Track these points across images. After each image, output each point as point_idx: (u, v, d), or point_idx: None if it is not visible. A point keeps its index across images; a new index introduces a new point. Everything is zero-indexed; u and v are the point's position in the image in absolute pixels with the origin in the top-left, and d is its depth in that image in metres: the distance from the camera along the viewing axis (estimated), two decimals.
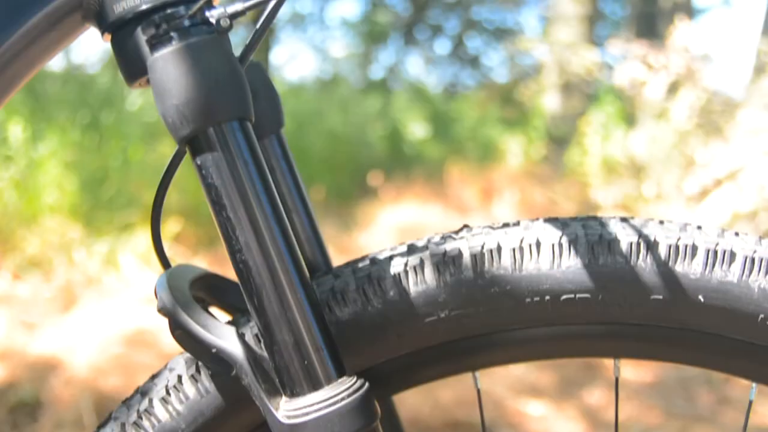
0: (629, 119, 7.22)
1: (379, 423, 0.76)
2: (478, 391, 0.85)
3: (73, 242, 4.16)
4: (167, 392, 0.83)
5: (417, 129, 8.88)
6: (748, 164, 5.17)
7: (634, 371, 3.51)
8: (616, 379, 0.87)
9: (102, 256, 4.09)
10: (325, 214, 5.95)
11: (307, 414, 0.73)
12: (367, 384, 0.76)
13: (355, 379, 0.76)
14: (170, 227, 4.39)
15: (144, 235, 4.23)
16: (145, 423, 0.83)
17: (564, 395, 3.35)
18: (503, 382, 3.38)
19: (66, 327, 3.70)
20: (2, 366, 3.44)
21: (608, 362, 3.55)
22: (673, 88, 6.29)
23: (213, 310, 0.91)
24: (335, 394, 0.74)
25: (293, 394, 0.75)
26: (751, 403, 0.86)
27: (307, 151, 6.64)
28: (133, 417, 0.84)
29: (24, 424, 3.22)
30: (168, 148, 5.17)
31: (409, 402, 3.15)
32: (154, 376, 0.86)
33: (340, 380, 0.75)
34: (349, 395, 0.74)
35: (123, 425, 0.84)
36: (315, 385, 0.74)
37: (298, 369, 0.74)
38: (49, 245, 4.15)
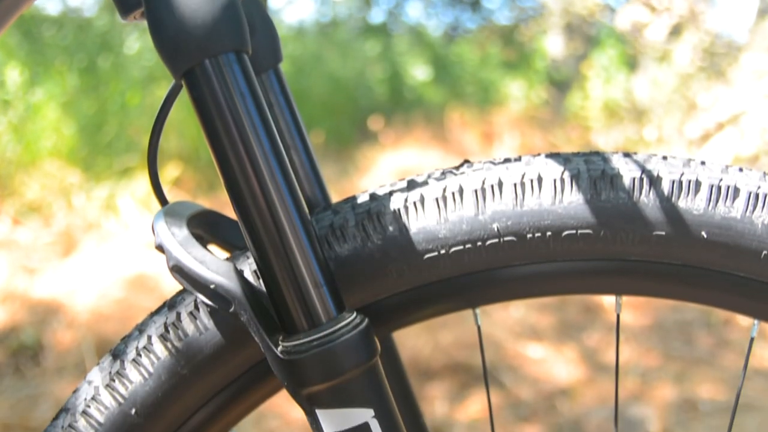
0: (631, 62, 7.16)
1: (379, 359, 0.76)
2: (479, 328, 0.85)
3: (72, 187, 4.14)
4: (166, 329, 0.83)
5: (417, 72, 8.81)
6: (751, 108, 5.14)
7: (633, 315, 3.52)
8: (618, 316, 0.87)
9: (101, 200, 4.09)
10: (324, 159, 5.93)
11: (306, 350, 0.73)
12: (366, 320, 0.75)
13: (354, 315, 0.75)
14: (169, 172, 4.38)
15: (143, 180, 4.21)
16: (144, 360, 0.83)
17: (563, 338, 3.37)
18: (503, 325, 3.39)
19: (66, 271, 3.71)
20: (3, 310, 3.45)
21: (608, 306, 3.56)
22: (675, 31, 6.23)
23: (211, 247, 0.90)
24: (335, 329, 0.73)
25: (292, 330, 0.74)
26: (752, 340, 0.86)
27: (307, 95, 6.60)
28: (132, 354, 0.84)
29: (27, 367, 3.23)
30: (166, 91, 5.13)
31: (410, 344, 3.17)
32: (152, 314, 0.86)
33: (339, 316, 0.75)
34: (348, 331, 0.73)
35: (122, 362, 0.84)
36: (314, 321, 0.74)
37: (297, 305, 0.74)
38: (49, 190, 4.14)
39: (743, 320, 3.48)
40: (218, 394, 0.84)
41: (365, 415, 0.74)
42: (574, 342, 3.33)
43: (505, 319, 3.43)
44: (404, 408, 0.90)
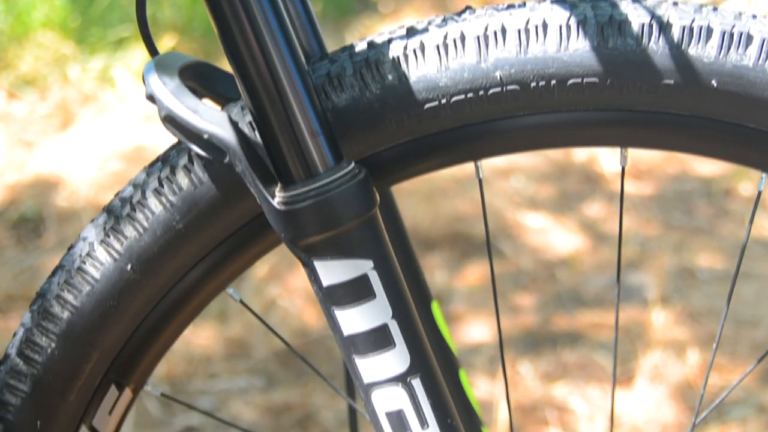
0: None
1: (378, 210, 0.74)
2: (480, 181, 0.83)
3: (67, 59, 4.08)
4: (160, 184, 0.81)
5: None
6: None
7: (633, 185, 3.51)
8: (623, 169, 0.85)
9: (96, 72, 4.03)
10: (322, 29, 5.82)
11: (303, 200, 0.71)
12: (365, 170, 0.74)
13: (352, 165, 0.74)
14: (164, 43, 4.30)
15: (139, 51, 4.14)
16: (139, 215, 0.82)
17: (563, 208, 3.37)
18: (503, 194, 3.39)
19: (64, 144, 3.68)
20: (2, 184, 3.44)
21: (609, 175, 3.55)
22: None
23: (205, 101, 0.88)
24: (332, 179, 0.72)
25: (289, 180, 0.72)
26: (759, 194, 0.84)
27: None
28: (126, 210, 0.82)
29: (28, 239, 3.25)
30: None
31: (409, 214, 3.16)
32: (146, 169, 0.84)
33: (337, 166, 0.73)
34: (346, 181, 0.72)
35: (117, 218, 0.83)
36: (311, 171, 0.72)
37: (293, 154, 0.72)
38: (43, 62, 4.08)
39: (744, 190, 3.47)
40: (215, 249, 0.83)
41: (364, 266, 0.73)
42: (574, 212, 3.33)
43: (505, 189, 3.42)
44: (404, 263, 0.89)
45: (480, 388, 2.45)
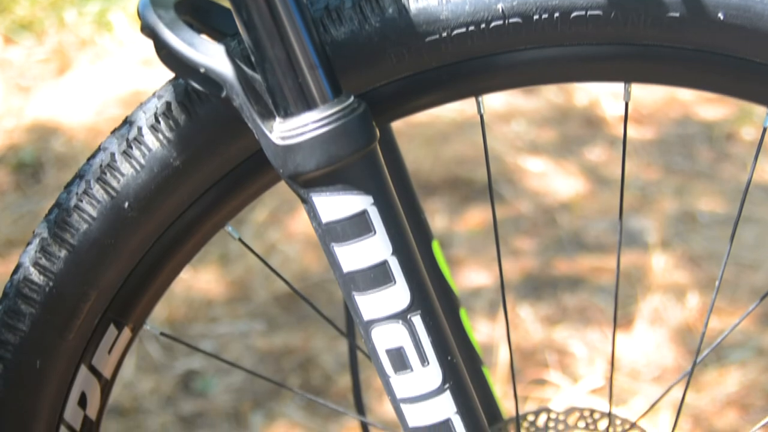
0: None
1: (378, 145, 0.73)
2: (481, 117, 0.82)
3: (63, 2, 4.04)
4: (156, 120, 0.80)
5: None
6: None
7: (635, 129, 3.49)
8: (626, 105, 0.84)
9: (93, 16, 3.99)
10: None
11: (302, 134, 0.70)
12: (364, 104, 0.72)
13: (352, 98, 0.72)
14: None
15: None
16: (136, 152, 0.80)
17: (564, 152, 3.35)
18: (503, 139, 3.37)
19: (62, 89, 3.66)
20: (0, 129, 3.43)
21: (610, 119, 3.53)
22: None
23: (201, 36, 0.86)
24: (332, 113, 0.70)
25: (287, 114, 0.71)
26: (765, 130, 0.83)
27: None
28: (123, 146, 0.81)
29: (27, 184, 3.24)
30: None
31: (409, 158, 3.14)
32: (142, 105, 0.83)
33: (336, 99, 0.71)
34: (346, 114, 0.70)
35: (112, 155, 0.81)
36: (310, 104, 0.70)
37: (291, 87, 0.70)
38: (39, 6, 4.04)
39: (746, 134, 3.45)
40: (213, 187, 0.82)
41: (364, 202, 0.72)
42: (575, 156, 3.32)
43: (506, 134, 3.40)
44: (404, 201, 0.88)
45: (480, 331, 2.46)
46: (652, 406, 0.98)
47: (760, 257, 2.77)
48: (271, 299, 2.61)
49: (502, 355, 2.31)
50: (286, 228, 2.89)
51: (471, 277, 2.70)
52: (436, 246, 1.07)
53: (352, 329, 1.11)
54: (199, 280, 2.68)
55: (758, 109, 3.50)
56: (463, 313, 1.10)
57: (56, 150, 3.35)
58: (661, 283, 2.63)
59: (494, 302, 2.58)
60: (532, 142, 3.41)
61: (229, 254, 2.77)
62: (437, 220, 2.91)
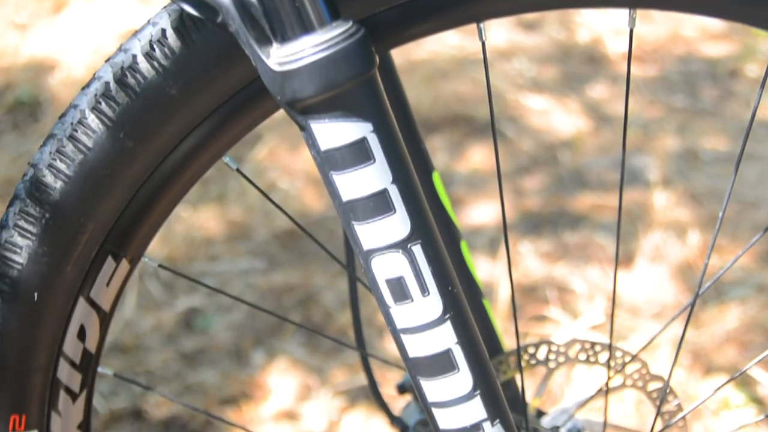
0: None
1: (377, 72, 0.71)
2: (483, 44, 0.80)
3: None
4: (151, 47, 0.78)
5: None
6: None
7: (637, 66, 3.46)
8: (630, 32, 0.82)
9: None
10: None
11: (300, 59, 0.68)
12: (363, 29, 0.71)
13: (350, 23, 0.70)
14: None
15: None
16: (131, 80, 0.79)
17: (566, 89, 3.32)
18: (504, 76, 3.34)
19: (58, 27, 3.62)
20: None
21: (612, 56, 3.50)
22: None
23: None
24: (330, 37, 0.68)
25: (284, 38, 0.69)
26: None
27: None
28: (118, 75, 0.79)
29: (25, 123, 3.22)
30: None
31: (408, 96, 3.12)
32: (136, 33, 0.81)
33: (335, 24, 0.69)
34: (345, 39, 0.68)
35: (107, 84, 0.80)
36: (307, 28, 0.68)
37: (288, 10, 0.68)
38: None
39: (750, 71, 3.42)
40: (210, 116, 0.81)
41: (364, 129, 0.70)
42: (577, 93, 3.29)
43: (507, 71, 3.37)
44: (404, 131, 0.87)
45: (481, 269, 2.46)
46: (654, 338, 0.97)
47: (761, 194, 2.76)
48: (271, 237, 2.60)
49: (503, 293, 2.31)
50: (286, 166, 2.87)
51: (471, 215, 2.69)
52: (436, 177, 1.06)
53: (352, 261, 1.11)
54: (198, 219, 2.67)
55: (763, 46, 3.46)
56: (464, 246, 1.09)
57: (54, 88, 3.32)
58: (662, 221, 2.62)
59: (494, 240, 2.58)
60: (533, 79, 3.38)
61: (228, 193, 2.76)
62: (437, 158, 2.90)
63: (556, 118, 3.17)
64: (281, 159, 2.91)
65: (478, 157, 2.95)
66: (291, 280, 2.45)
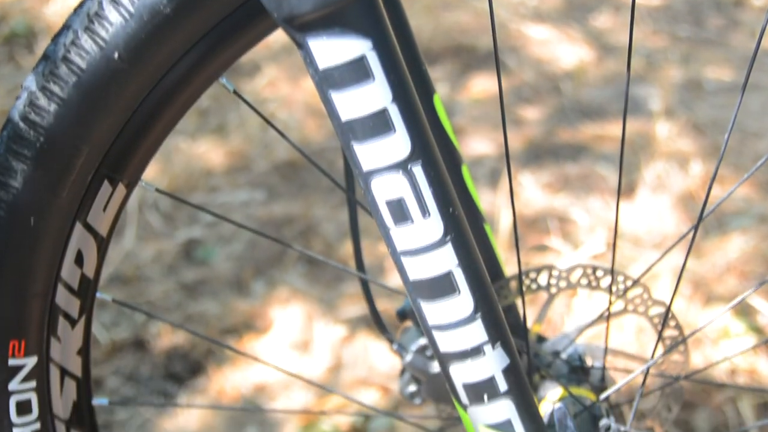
0: None
1: None
2: None
3: None
4: None
5: None
6: None
7: None
8: None
9: None
10: None
11: None
12: None
13: None
14: None
15: None
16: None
17: (569, 19, 3.28)
18: (506, 5, 3.30)
19: None
20: None
21: None
22: None
23: None
24: None
25: None
26: None
27: None
28: None
29: (20, 55, 3.19)
30: None
31: None
32: None
33: None
34: None
35: (100, 3, 0.77)
36: None
37: None
38: None
39: (756, 0, 3.38)
40: (206, 36, 0.79)
41: (363, 46, 0.68)
42: (580, 23, 3.25)
43: (510, 0, 3.33)
44: (404, 50, 0.85)
45: (482, 199, 2.45)
46: (655, 263, 0.97)
47: (765, 125, 2.74)
48: (271, 168, 2.59)
49: (504, 223, 2.30)
50: (285, 96, 2.85)
51: (473, 145, 2.67)
52: (437, 99, 1.04)
53: (352, 185, 1.09)
54: (197, 150, 2.66)
55: None
56: (465, 170, 1.08)
57: (48, 19, 3.28)
58: (665, 151, 2.60)
59: (495, 171, 2.56)
60: (536, 9, 3.33)
61: (227, 124, 2.74)
62: (438, 88, 2.87)
63: (559, 48, 3.13)
64: (280, 90, 2.88)
65: (479, 87, 2.92)
66: (291, 211, 2.44)
